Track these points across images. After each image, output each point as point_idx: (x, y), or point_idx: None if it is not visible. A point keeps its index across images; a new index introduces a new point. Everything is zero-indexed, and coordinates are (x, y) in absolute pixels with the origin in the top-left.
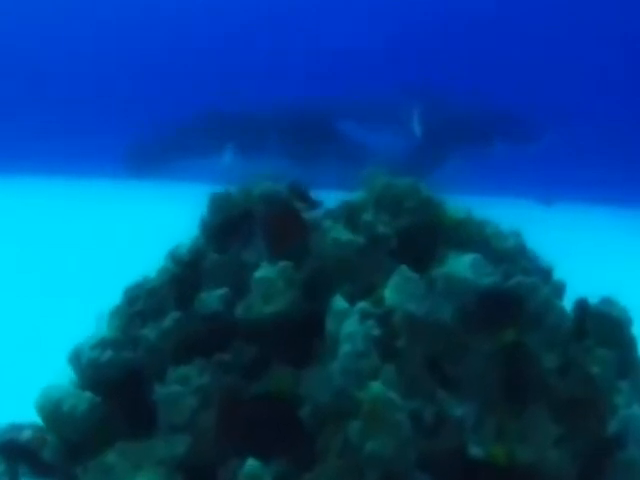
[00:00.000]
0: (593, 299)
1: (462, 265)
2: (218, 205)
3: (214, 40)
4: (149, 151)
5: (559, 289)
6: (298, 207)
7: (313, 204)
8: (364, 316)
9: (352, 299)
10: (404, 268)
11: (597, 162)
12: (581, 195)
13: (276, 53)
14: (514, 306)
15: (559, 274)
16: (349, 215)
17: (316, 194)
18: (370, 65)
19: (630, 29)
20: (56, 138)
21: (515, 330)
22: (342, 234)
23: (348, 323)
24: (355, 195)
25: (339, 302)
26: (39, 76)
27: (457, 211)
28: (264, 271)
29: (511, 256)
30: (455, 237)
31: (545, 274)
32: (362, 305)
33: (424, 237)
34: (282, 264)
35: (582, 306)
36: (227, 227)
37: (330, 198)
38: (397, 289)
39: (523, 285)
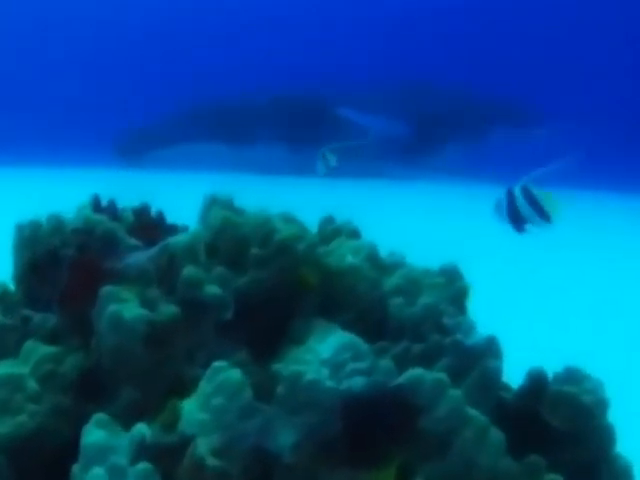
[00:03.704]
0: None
1: (311, 357)
2: (25, 238)
3: (205, 32)
4: (140, 140)
5: (487, 385)
6: (124, 246)
7: (163, 233)
8: (138, 453)
9: (130, 414)
10: (219, 366)
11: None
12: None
13: (276, 43)
14: (402, 423)
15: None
16: (168, 266)
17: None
18: (370, 55)
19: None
20: (47, 129)
21: (401, 463)
22: (128, 307)
23: (94, 475)
24: (183, 234)
25: (92, 432)
26: (30, 68)
27: (345, 256)
28: (7, 365)
29: (416, 326)
30: (331, 299)
31: (471, 356)
32: (139, 431)
33: (280, 302)
34: (45, 350)
35: (537, 383)
36: (33, 271)
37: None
38: (204, 403)
39: (419, 387)
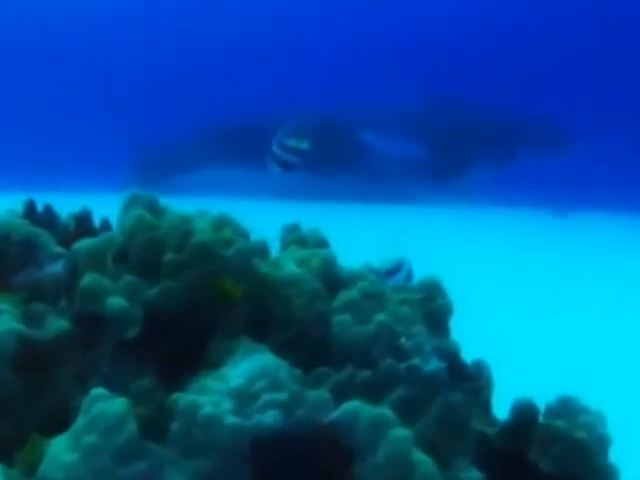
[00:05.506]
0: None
1: (218, 386)
2: None
3: (224, 52)
4: (155, 165)
5: (451, 421)
6: (45, 254)
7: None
8: None
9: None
10: (97, 394)
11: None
12: (599, 203)
13: (295, 64)
14: (331, 470)
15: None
16: (71, 275)
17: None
18: (390, 75)
19: None
20: (61, 152)
21: None
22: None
23: None
24: (91, 238)
25: None
26: (43, 91)
27: (286, 263)
28: None
29: (366, 349)
30: (264, 315)
31: (432, 385)
32: None
33: (199, 317)
34: None
35: (524, 417)
36: None
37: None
38: (74, 441)
39: (354, 424)
